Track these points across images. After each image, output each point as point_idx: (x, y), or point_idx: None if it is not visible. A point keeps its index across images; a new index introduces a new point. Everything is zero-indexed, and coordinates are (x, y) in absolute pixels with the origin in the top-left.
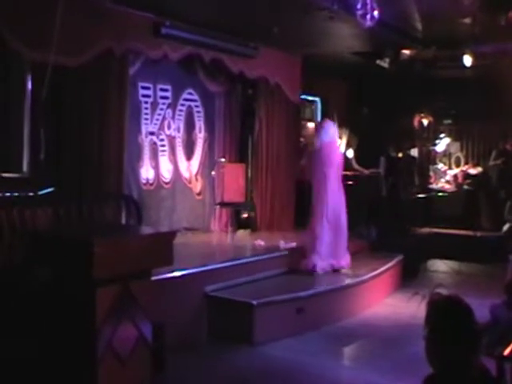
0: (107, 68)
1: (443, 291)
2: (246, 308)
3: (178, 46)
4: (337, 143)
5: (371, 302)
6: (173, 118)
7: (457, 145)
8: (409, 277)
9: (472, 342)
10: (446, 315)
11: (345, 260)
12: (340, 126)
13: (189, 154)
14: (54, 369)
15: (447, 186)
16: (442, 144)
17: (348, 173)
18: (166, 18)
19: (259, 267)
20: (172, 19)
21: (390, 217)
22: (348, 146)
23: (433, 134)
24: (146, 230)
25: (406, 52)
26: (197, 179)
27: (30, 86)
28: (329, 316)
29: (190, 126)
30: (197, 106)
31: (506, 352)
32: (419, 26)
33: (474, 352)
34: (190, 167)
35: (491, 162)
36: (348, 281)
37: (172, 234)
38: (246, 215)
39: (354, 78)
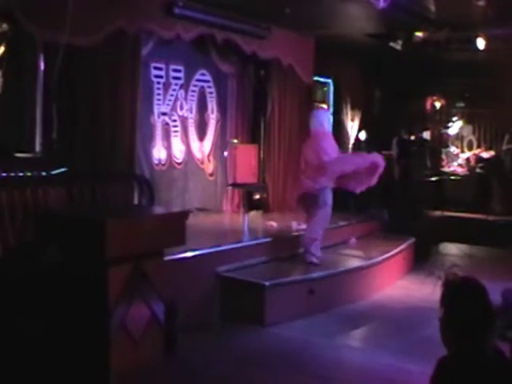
0: (119, 48)
1: (458, 272)
2: (257, 289)
3: (191, 26)
4: (328, 131)
5: (383, 285)
6: (185, 98)
7: (469, 128)
8: (421, 260)
9: (487, 324)
10: (461, 296)
11: None
12: (352, 107)
13: (201, 135)
14: (67, 348)
15: (459, 170)
16: (455, 127)
17: None
18: None
19: (271, 248)
20: None
21: (403, 199)
22: (360, 128)
23: (445, 117)
24: (159, 209)
25: (419, 34)
26: (209, 160)
27: (42, 66)
28: (340, 298)
29: (202, 107)
30: (209, 87)
31: None
32: (432, 7)
33: (489, 333)
34: (203, 148)
35: (504, 146)
36: (360, 263)
37: (184, 214)
38: (258, 196)
39: (367, 59)
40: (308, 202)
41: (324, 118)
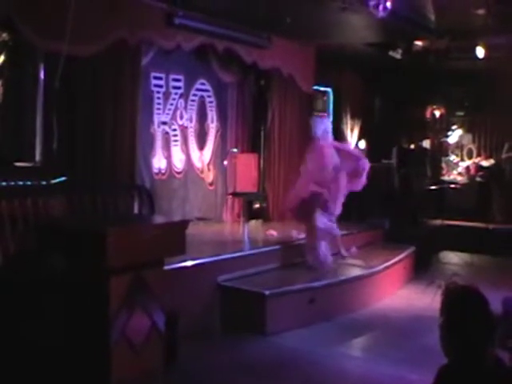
0: (120, 58)
1: (459, 280)
2: (258, 298)
3: (191, 36)
4: (328, 139)
5: (384, 293)
6: (185, 108)
7: (469, 136)
8: (421, 268)
9: (487, 332)
10: (462, 304)
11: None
12: (352, 117)
13: (201, 144)
14: (68, 356)
15: (459, 178)
16: (455, 136)
17: None
18: (180, 7)
19: (271, 257)
20: (185, 9)
21: (403, 208)
22: (360, 137)
23: (445, 126)
24: (159, 219)
25: (419, 43)
26: (209, 169)
27: (42, 75)
28: (341, 307)
29: (202, 116)
30: (209, 97)
31: None
32: (432, 16)
33: (489, 342)
34: (203, 157)
35: (504, 155)
36: (360, 272)
37: (184, 224)
38: (258, 205)
39: (367, 69)
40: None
41: (319, 125)
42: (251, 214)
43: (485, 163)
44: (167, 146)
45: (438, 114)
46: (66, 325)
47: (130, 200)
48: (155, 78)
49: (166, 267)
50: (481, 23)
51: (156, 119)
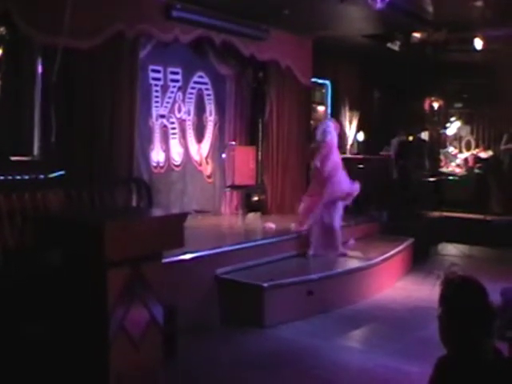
0: (118, 51)
1: (457, 270)
2: (256, 290)
3: (189, 29)
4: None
5: (382, 285)
6: (183, 101)
7: (467, 128)
8: (419, 260)
9: (486, 323)
10: (460, 294)
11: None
12: (351, 109)
13: (199, 137)
14: (67, 351)
15: (458, 170)
16: (453, 127)
17: (359, 156)
18: (177, 0)
19: (270, 250)
20: (183, 2)
21: (401, 200)
22: (358, 129)
23: (443, 118)
24: (157, 212)
25: (417, 35)
26: (207, 162)
27: (40, 69)
28: (339, 299)
29: (200, 109)
30: (207, 89)
31: None
32: (430, 8)
33: (488, 333)
34: (201, 150)
35: (502, 146)
36: (359, 264)
37: (183, 217)
38: (256, 198)
39: (365, 61)
40: None
41: (322, 129)
42: (249, 207)
43: (483, 155)
44: (165, 139)
45: (436, 105)
46: (65, 319)
47: (128, 193)
48: (153, 71)
49: (165, 260)
50: (479, 15)
51: (154, 112)
